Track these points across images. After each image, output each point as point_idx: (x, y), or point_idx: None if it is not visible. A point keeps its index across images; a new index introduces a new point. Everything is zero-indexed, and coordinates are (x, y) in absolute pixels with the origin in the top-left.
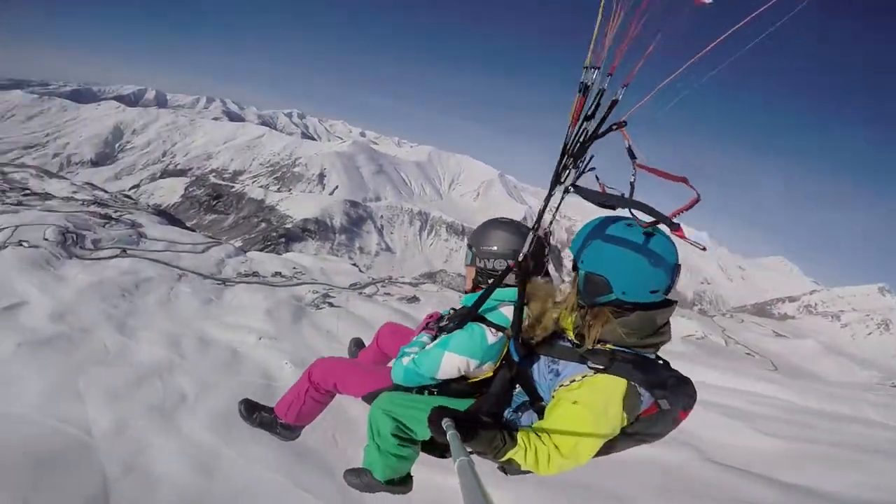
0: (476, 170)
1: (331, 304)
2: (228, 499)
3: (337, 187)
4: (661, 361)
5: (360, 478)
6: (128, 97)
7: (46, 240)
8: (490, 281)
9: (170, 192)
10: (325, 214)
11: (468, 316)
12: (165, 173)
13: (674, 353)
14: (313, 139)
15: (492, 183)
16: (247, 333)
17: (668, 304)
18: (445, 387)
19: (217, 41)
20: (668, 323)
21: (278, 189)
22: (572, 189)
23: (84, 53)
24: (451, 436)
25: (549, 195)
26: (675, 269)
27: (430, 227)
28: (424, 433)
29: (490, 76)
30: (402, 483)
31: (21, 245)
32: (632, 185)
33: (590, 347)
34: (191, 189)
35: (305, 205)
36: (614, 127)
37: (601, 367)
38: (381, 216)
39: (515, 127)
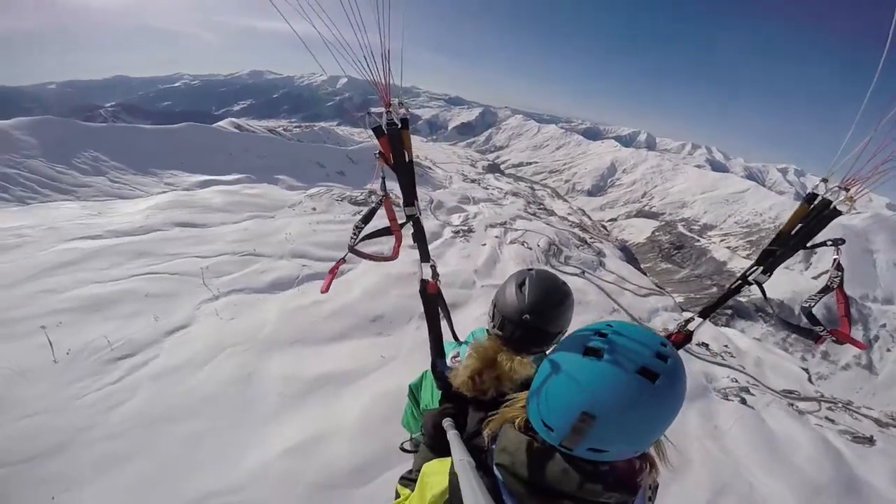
0: None
1: (743, 401)
2: None
3: (827, 271)
4: None
5: None
6: (624, 138)
7: (538, 246)
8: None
9: (638, 231)
10: (799, 300)
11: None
12: (640, 213)
13: None
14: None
15: None
16: None
17: (575, 465)
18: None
19: (709, 89)
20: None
21: (748, 255)
22: (754, 283)
23: (600, 97)
24: (452, 436)
25: (733, 288)
26: (579, 416)
27: None
28: (426, 400)
29: None
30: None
31: (523, 245)
32: (809, 309)
33: (471, 431)
34: (657, 233)
35: (778, 281)
36: (829, 243)
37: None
38: (885, 325)
39: None
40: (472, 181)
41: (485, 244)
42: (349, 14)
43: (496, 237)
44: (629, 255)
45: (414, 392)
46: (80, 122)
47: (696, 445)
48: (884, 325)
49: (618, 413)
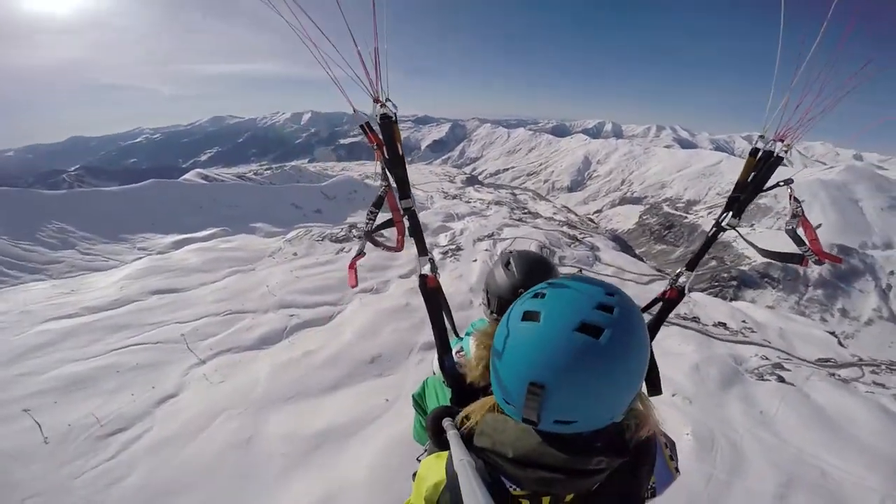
0: None
1: (781, 379)
2: None
3: (820, 226)
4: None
5: None
6: (591, 130)
7: None
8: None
9: (625, 218)
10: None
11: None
12: (623, 200)
13: None
14: (785, 166)
15: None
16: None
17: (551, 436)
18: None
19: (663, 69)
20: (546, 474)
21: (738, 224)
22: (728, 227)
23: (559, 94)
24: (451, 435)
25: (710, 235)
26: (528, 387)
27: None
28: (432, 406)
29: None
30: None
31: None
32: (793, 230)
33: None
34: (644, 217)
35: (770, 244)
36: (781, 183)
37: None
38: (892, 272)
39: None
40: (454, 197)
41: (475, 260)
42: (342, 13)
43: (486, 250)
44: (622, 243)
45: (418, 401)
46: (39, 190)
47: (747, 437)
48: (892, 273)
49: (566, 378)
